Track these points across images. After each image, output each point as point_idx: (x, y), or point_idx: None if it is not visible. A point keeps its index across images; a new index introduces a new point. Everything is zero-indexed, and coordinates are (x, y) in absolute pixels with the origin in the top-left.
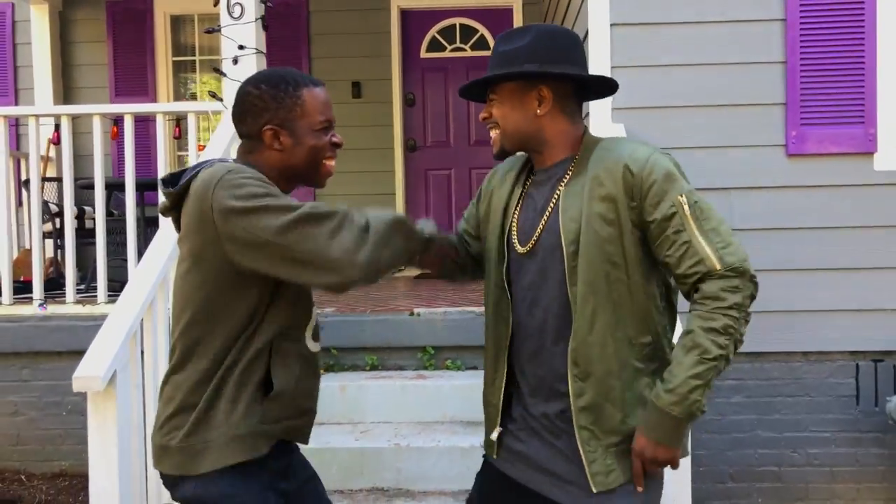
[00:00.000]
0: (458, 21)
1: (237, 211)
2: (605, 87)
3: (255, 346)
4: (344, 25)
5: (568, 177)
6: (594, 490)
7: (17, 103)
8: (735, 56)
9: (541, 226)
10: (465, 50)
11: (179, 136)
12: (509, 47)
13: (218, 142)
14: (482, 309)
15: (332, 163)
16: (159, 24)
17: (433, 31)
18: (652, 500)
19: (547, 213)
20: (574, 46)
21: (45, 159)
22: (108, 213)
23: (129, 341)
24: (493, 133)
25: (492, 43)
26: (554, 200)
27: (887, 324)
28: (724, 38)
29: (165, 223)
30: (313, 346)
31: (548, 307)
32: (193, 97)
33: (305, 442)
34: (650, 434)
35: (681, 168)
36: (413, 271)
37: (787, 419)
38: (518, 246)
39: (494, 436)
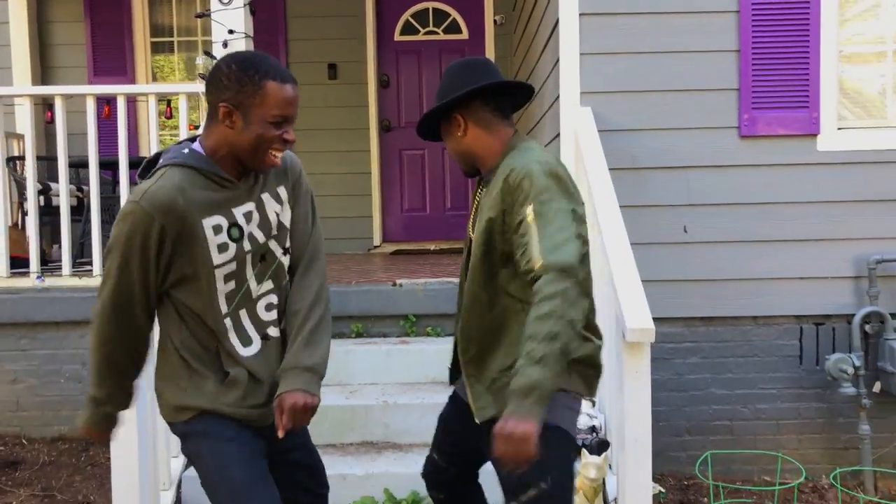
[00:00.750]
0: (431, 5)
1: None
2: (524, 90)
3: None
4: (320, 9)
5: (489, 181)
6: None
7: None
8: (694, 44)
9: (470, 223)
10: (437, 33)
11: (171, 116)
12: (440, 92)
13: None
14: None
15: (277, 155)
16: (137, 4)
17: (407, 15)
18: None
19: (474, 213)
20: (473, 71)
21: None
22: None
23: None
24: (458, 162)
25: (464, 27)
26: (477, 202)
27: (827, 290)
28: (685, 27)
29: None
30: (244, 351)
31: (465, 290)
32: (175, 78)
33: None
34: (507, 411)
35: (560, 174)
36: (389, 247)
37: (738, 378)
38: (471, 234)
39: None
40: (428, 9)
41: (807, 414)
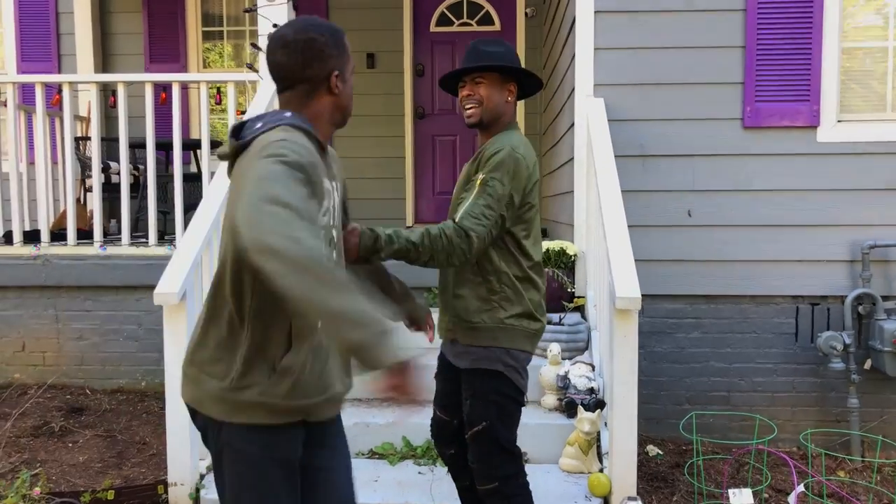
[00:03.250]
0: None
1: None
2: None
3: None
4: (360, 0)
5: (482, 151)
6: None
7: (59, 69)
8: (702, 40)
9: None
10: (471, 25)
11: (220, 101)
12: (493, 49)
13: (257, 109)
14: None
15: None
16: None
17: (442, 7)
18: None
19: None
20: (519, 61)
21: (87, 120)
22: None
23: (194, 270)
24: (472, 108)
25: (497, 19)
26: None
27: (823, 273)
28: (693, 24)
29: (216, 175)
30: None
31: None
32: (223, 65)
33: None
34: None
35: (519, 162)
36: (421, 227)
37: (737, 352)
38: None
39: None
40: (463, 1)
41: (801, 388)
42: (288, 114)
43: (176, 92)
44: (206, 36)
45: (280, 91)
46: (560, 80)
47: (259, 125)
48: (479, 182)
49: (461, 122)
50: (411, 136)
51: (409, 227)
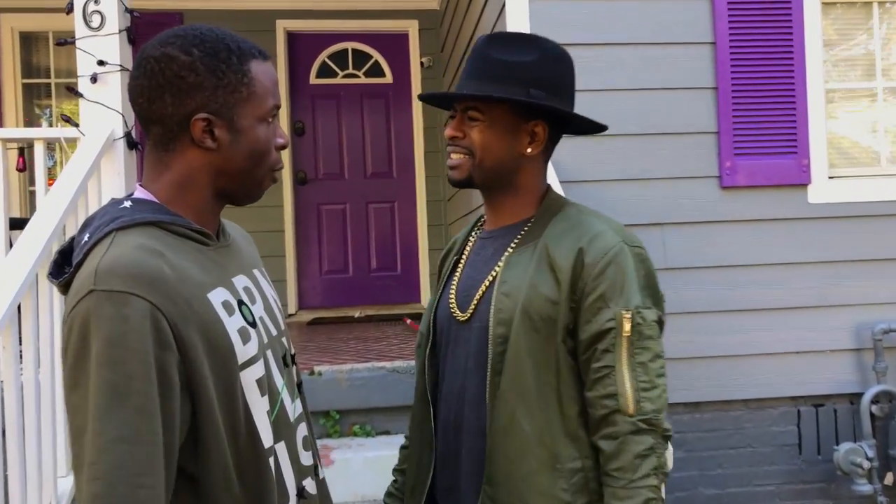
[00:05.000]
0: (350, 46)
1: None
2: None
3: None
4: None
5: (517, 242)
6: None
7: None
8: (666, 80)
9: (479, 293)
10: (358, 76)
11: (24, 168)
12: (511, 59)
13: (71, 176)
14: (393, 363)
15: (275, 174)
16: (6, 40)
17: (323, 56)
18: None
19: (487, 280)
20: (573, 76)
21: None
22: None
23: None
24: (459, 157)
25: (387, 70)
26: (497, 268)
27: (826, 366)
28: (656, 61)
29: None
30: None
31: (467, 397)
32: (50, 125)
33: None
34: None
35: (650, 266)
36: (307, 315)
37: (730, 473)
38: (457, 312)
39: None
40: (347, 49)
41: None
42: (127, 203)
43: None
44: (31, 91)
45: None
46: None
47: (86, 237)
48: (624, 323)
49: (351, 188)
50: (291, 205)
51: (290, 316)
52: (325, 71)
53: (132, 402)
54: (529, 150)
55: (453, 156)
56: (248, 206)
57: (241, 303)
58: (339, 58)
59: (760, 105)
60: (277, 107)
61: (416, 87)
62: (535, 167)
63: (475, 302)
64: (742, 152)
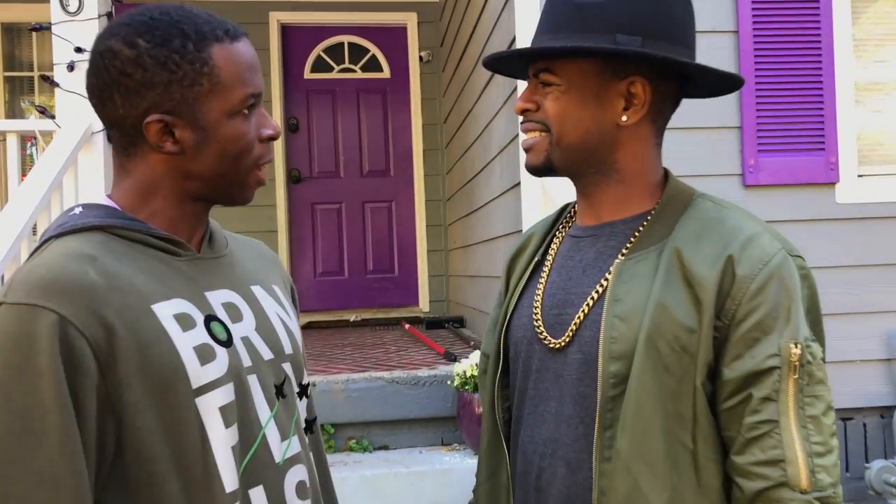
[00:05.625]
0: (346, 39)
1: None
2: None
3: None
4: None
5: (631, 244)
6: None
7: None
8: None
9: (580, 313)
10: (354, 71)
11: None
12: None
13: (43, 171)
14: (392, 373)
15: (264, 168)
16: None
17: (318, 50)
18: None
19: (592, 296)
20: (687, 12)
21: None
22: None
23: None
24: (533, 136)
25: (385, 64)
26: (605, 280)
27: (855, 377)
28: None
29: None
30: None
31: (560, 454)
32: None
33: None
34: None
35: (814, 285)
36: (301, 318)
37: None
38: (545, 334)
39: None
40: (343, 43)
41: None
42: (78, 209)
43: None
44: (13, 85)
45: None
46: (484, 126)
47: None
48: (787, 371)
49: (347, 186)
50: (285, 204)
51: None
52: (320, 65)
53: (38, 439)
54: (625, 117)
55: (527, 135)
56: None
57: (211, 318)
58: (335, 51)
59: (786, 98)
60: (255, 95)
61: (415, 83)
62: (638, 142)
63: (574, 325)
64: (766, 149)
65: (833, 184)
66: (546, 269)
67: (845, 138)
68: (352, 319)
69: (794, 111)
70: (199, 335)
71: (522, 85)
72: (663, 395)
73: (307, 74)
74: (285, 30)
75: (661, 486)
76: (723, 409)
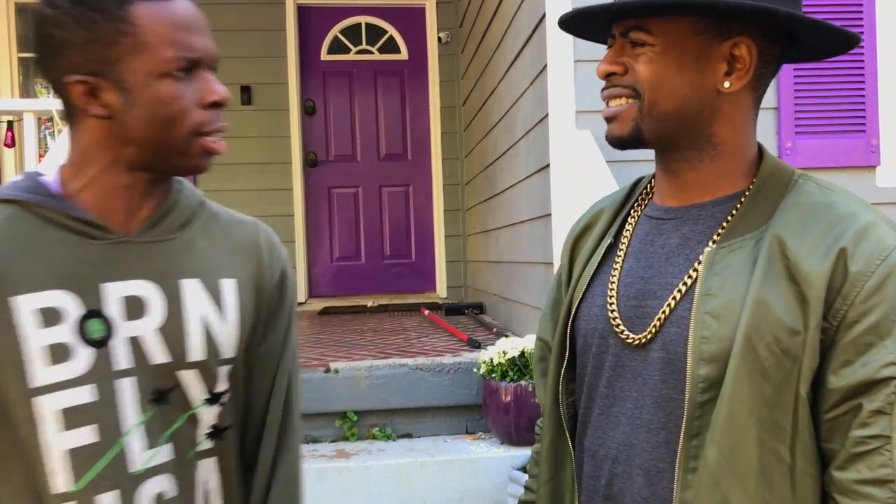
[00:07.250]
0: (363, 20)
1: None
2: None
3: None
4: (232, 21)
5: (724, 230)
6: None
7: None
8: None
9: (665, 307)
10: (372, 52)
11: (12, 144)
12: None
13: (60, 150)
14: (416, 360)
15: (213, 138)
16: (1, 13)
17: (335, 31)
18: None
19: (679, 288)
20: None
21: None
22: None
23: None
24: (619, 102)
25: (403, 46)
26: (694, 270)
27: None
28: None
29: None
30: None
31: (637, 462)
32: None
33: None
34: None
35: None
36: (317, 304)
37: None
38: (623, 327)
39: None
40: (360, 24)
41: None
42: (20, 176)
43: None
44: (29, 66)
45: None
46: (509, 107)
47: None
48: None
49: (364, 170)
50: (301, 188)
51: (300, 305)
52: (336, 47)
53: None
54: (728, 83)
55: (611, 102)
56: (255, 188)
57: (92, 313)
58: (352, 33)
59: (825, 78)
60: (189, 59)
61: (433, 65)
62: (738, 112)
63: (658, 320)
64: (804, 131)
65: (874, 167)
66: (621, 252)
67: (887, 120)
68: (369, 305)
69: (834, 91)
70: (60, 333)
71: (552, 65)
72: (759, 403)
73: (324, 56)
74: (302, 11)
75: (753, 502)
76: (825, 418)
